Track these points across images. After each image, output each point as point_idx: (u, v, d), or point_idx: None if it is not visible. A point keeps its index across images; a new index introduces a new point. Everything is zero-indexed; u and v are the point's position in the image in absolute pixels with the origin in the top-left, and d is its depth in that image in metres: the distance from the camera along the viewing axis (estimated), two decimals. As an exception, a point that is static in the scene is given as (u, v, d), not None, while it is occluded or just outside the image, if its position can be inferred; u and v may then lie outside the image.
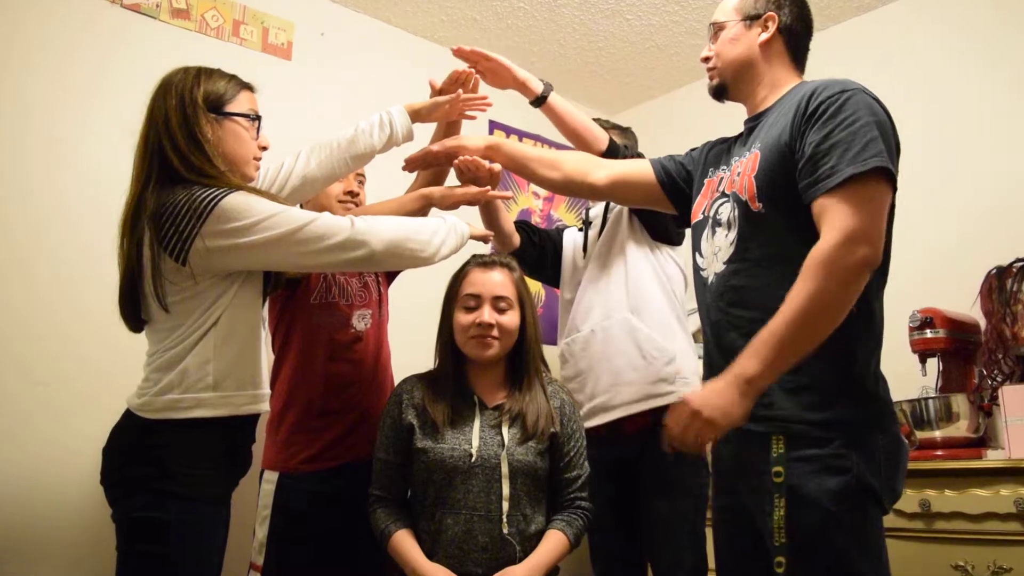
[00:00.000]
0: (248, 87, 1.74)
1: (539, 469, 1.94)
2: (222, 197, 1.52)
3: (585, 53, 3.56)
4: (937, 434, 2.34)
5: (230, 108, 1.66)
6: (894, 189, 1.40)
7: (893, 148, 1.43)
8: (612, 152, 2.22)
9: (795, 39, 1.69)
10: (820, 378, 1.41)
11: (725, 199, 1.63)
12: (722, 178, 1.68)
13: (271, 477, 2.04)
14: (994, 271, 2.53)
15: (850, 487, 1.35)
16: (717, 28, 1.72)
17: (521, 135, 3.71)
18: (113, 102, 2.44)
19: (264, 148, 1.75)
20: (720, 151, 1.77)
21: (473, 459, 1.87)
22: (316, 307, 2.11)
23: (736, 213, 1.57)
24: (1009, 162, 2.75)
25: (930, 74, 2.98)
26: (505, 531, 1.85)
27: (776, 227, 1.50)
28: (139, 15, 2.58)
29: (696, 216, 1.74)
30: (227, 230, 1.51)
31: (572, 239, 2.56)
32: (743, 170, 1.58)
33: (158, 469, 1.51)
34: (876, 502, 1.39)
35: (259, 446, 2.03)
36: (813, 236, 1.41)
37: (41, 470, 2.19)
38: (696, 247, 1.71)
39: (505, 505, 1.86)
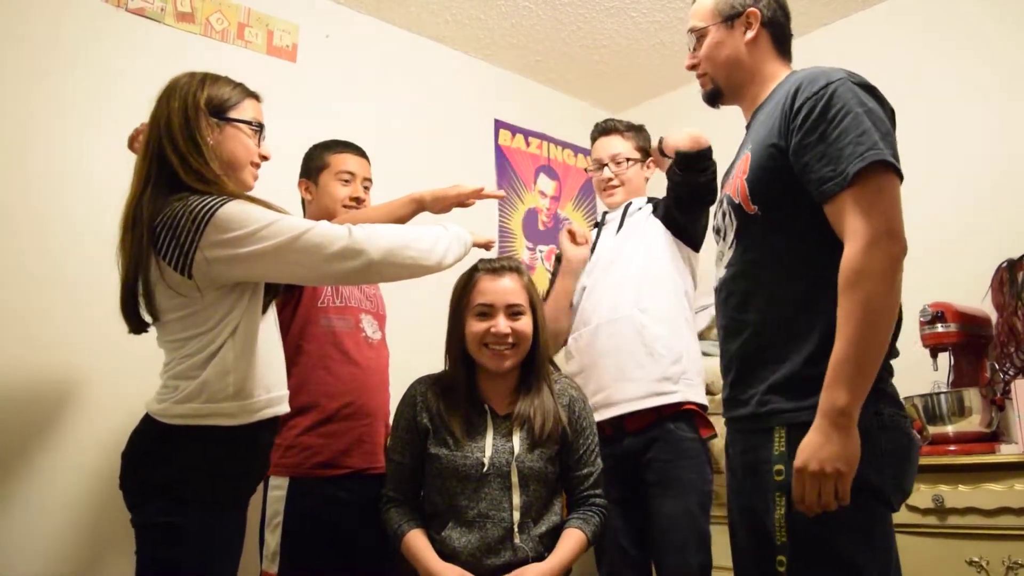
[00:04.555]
0: (254, 96, 1.73)
1: (550, 473, 1.94)
2: (219, 206, 1.50)
3: (590, 51, 3.55)
4: (949, 429, 2.33)
5: (233, 114, 1.66)
6: (899, 175, 1.37)
7: (889, 133, 1.38)
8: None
9: (778, 29, 1.65)
10: (823, 371, 1.37)
11: (722, 203, 1.63)
12: (723, 184, 1.68)
13: (280, 483, 2.01)
14: (1005, 264, 2.51)
15: (855, 488, 1.31)
16: (699, 35, 1.68)
17: (527, 134, 3.71)
18: (118, 106, 2.42)
19: (265, 158, 1.74)
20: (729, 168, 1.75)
21: (485, 468, 1.87)
22: (325, 312, 2.12)
23: (732, 216, 1.56)
24: (1019, 155, 2.73)
25: (939, 67, 2.97)
26: (517, 540, 1.85)
27: (771, 228, 1.48)
28: (144, 19, 2.58)
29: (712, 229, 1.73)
30: (226, 240, 1.50)
31: None
32: (736, 172, 1.57)
33: (177, 474, 1.51)
34: (881, 501, 1.37)
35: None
36: (809, 235, 1.41)
37: (57, 472, 2.18)
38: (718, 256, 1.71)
39: (516, 515, 1.86)
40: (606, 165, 2.48)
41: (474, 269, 2.03)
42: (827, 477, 1.28)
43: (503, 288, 1.97)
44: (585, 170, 2.59)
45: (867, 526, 1.35)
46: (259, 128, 1.71)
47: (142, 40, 2.56)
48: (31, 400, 2.19)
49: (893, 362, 1.46)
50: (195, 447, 1.52)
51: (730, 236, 1.57)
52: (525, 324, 1.97)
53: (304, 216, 2.30)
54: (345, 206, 2.21)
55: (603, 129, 2.55)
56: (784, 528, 1.35)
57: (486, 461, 1.88)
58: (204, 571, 1.52)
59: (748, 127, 1.65)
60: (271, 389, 1.63)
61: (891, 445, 1.37)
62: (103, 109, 2.43)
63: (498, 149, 3.59)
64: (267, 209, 1.57)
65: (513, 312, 1.96)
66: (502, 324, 1.94)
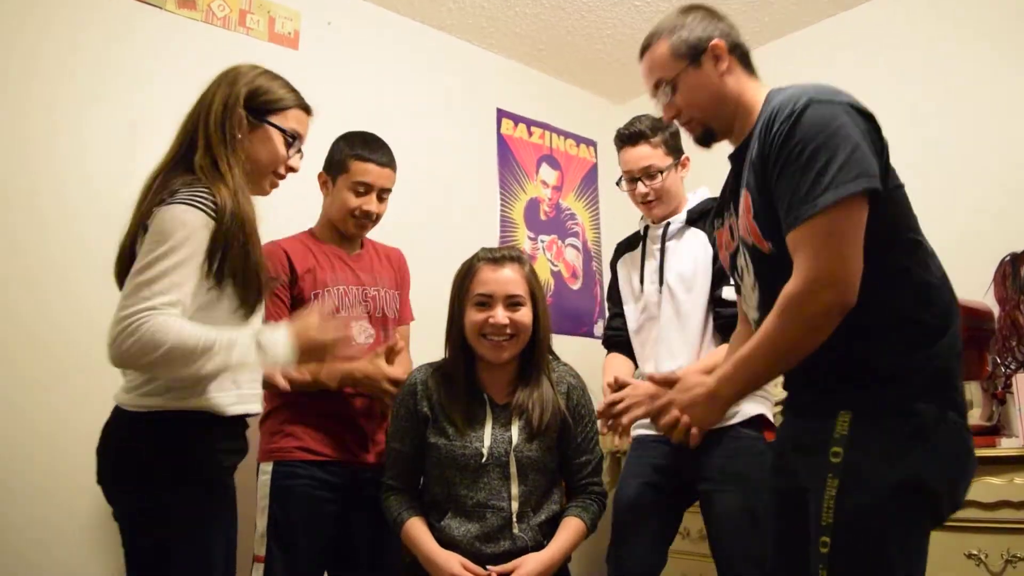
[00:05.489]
0: (305, 108, 1.71)
1: (549, 463, 1.94)
2: (173, 204, 1.46)
3: (593, 41, 3.53)
4: (950, 422, 2.32)
5: (274, 118, 1.64)
6: (873, 190, 1.32)
7: (855, 150, 1.32)
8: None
9: (741, 49, 1.59)
10: (897, 367, 1.37)
11: (733, 240, 1.58)
12: (731, 226, 1.61)
13: (267, 468, 2.06)
14: (1008, 258, 2.50)
15: (907, 483, 1.31)
16: (671, 84, 1.58)
17: (530, 123, 3.70)
18: (118, 93, 2.42)
19: (292, 169, 1.70)
20: (723, 199, 1.68)
21: (484, 459, 1.87)
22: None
23: (748, 257, 1.52)
24: (1022, 148, 2.71)
25: (941, 60, 2.95)
26: (516, 530, 1.85)
27: (790, 263, 1.42)
28: (145, 5, 2.57)
29: (728, 269, 1.67)
30: (146, 240, 1.46)
31: (626, 265, 2.49)
32: (742, 211, 1.51)
33: (150, 459, 1.49)
34: (931, 507, 1.36)
35: (254, 442, 2.04)
36: None
37: (43, 472, 2.18)
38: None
39: (515, 504, 1.86)
40: (639, 180, 2.32)
41: (475, 258, 2.02)
42: (685, 425, 1.48)
43: (503, 278, 1.96)
44: (617, 183, 2.43)
45: (911, 524, 1.34)
46: (294, 139, 1.68)
47: (143, 27, 2.55)
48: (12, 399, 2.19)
49: None
50: (166, 430, 1.50)
51: (749, 278, 1.53)
52: (524, 315, 1.96)
53: (322, 209, 2.29)
54: (354, 216, 2.18)
55: (628, 138, 2.35)
56: (832, 510, 1.34)
57: (484, 451, 1.88)
58: (194, 553, 1.50)
59: (738, 158, 1.57)
60: (241, 385, 1.60)
61: (952, 452, 1.37)
62: (102, 95, 2.42)
63: (500, 138, 3.58)
64: (191, 251, 1.45)
65: (512, 303, 1.95)
66: (500, 315, 1.93)
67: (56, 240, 2.28)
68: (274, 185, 1.72)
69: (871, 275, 1.35)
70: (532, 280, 2.00)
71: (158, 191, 1.52)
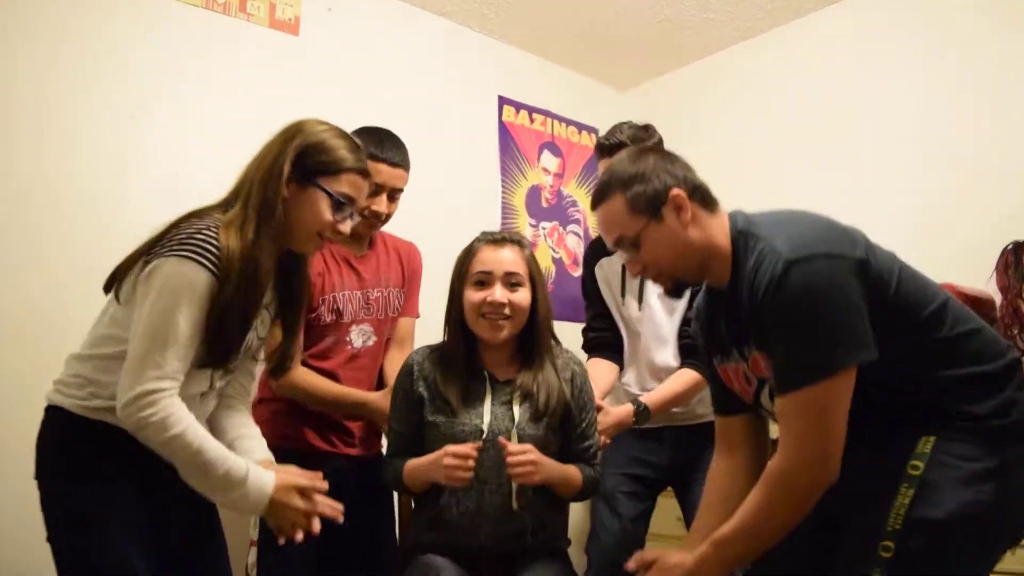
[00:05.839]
0: (362, 173, 1.63)
1: (551, 443, 1.94)
2: (174, 256, 1.43)
3: (596, 27, 3.51)
4: (951, 410, 2.33)
5: (325, 182, 1.57)
6: (863, 361, 1.32)
7: (843, 319, 1.32)
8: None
9: (700, 191, 1.52)
10: (979, 410, 1.38)
11: (764, 387, 1.51)
12: (744, 372, 1.53)
13: None
14: (1010, 246, 2.50)
15: (981, 510, 1.32)
16: (633, 243, 1.51)
17: (531, 110, 3.69)
18: (115, 82, 2.41)
19: (339, 233, 1.63)
20: (716, 337, 1.60)
21: (484, 435, 1.88)
22: (314, 323, 2.11)
23: None
24: (1026, 135, 2.71)
25: (945, 48, 2.93)
26: (515, 507, 1.86)
27: None
28: (145, -9, 2.56)
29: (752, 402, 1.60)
30: (143, 284, 1.44)
31: (604, 271, 2.45)
32: (764, 368, 1.46)
33: (68, 460, 1.49)
34: (1003, 535, 1.38)
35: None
36: (868, 375, 1.35)
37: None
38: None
39: (515, 483, 1.87)
40: None
41: (476, 240, 2.02)
42: None
43: (502, 257, 1.96)
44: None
45: (978, 547, 1.36)
46: (342, 203, 1.60)
47: (142, 13, 2.54)
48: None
49: None
50: (84, 435, 1.49)
51: None
52: (522, 296, 1.96)
53: None
54: (363, 216, 2.11)
55: (608, 149, 2.26)
56: (902, 517, 1.33)
57: (485, 428, 1.89)
58: (110, 551, 1.46)
59: (728, 306, 1.51)
60: None
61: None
62: (96, 87, 2.40)
63: (502, 125, 3.57)
64: (187, 313, 1.43)
65: (511, 283, 1.94)
66: (498, 293, 1.92)
67: (48, 240, 2.27)
68: (319, 247, 1.67)
69: (920, 358, 1.38)
70: (532, 263, 2.00)
71: (179, 224, 1.50)
